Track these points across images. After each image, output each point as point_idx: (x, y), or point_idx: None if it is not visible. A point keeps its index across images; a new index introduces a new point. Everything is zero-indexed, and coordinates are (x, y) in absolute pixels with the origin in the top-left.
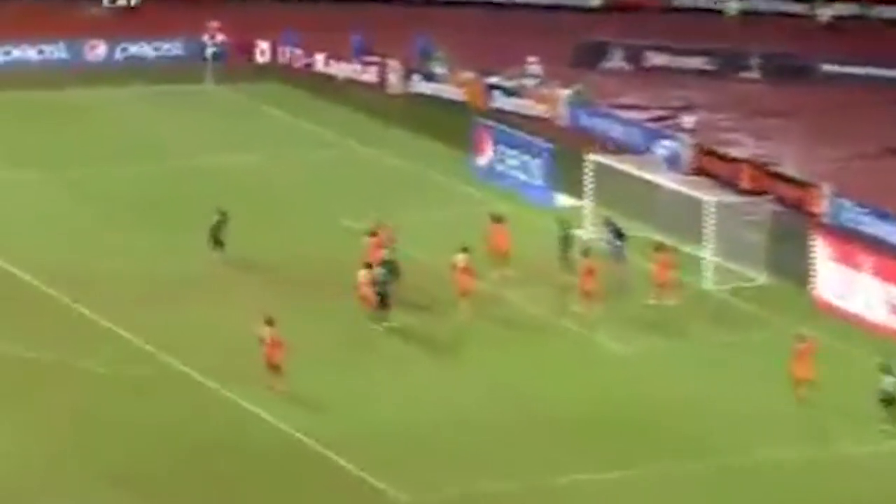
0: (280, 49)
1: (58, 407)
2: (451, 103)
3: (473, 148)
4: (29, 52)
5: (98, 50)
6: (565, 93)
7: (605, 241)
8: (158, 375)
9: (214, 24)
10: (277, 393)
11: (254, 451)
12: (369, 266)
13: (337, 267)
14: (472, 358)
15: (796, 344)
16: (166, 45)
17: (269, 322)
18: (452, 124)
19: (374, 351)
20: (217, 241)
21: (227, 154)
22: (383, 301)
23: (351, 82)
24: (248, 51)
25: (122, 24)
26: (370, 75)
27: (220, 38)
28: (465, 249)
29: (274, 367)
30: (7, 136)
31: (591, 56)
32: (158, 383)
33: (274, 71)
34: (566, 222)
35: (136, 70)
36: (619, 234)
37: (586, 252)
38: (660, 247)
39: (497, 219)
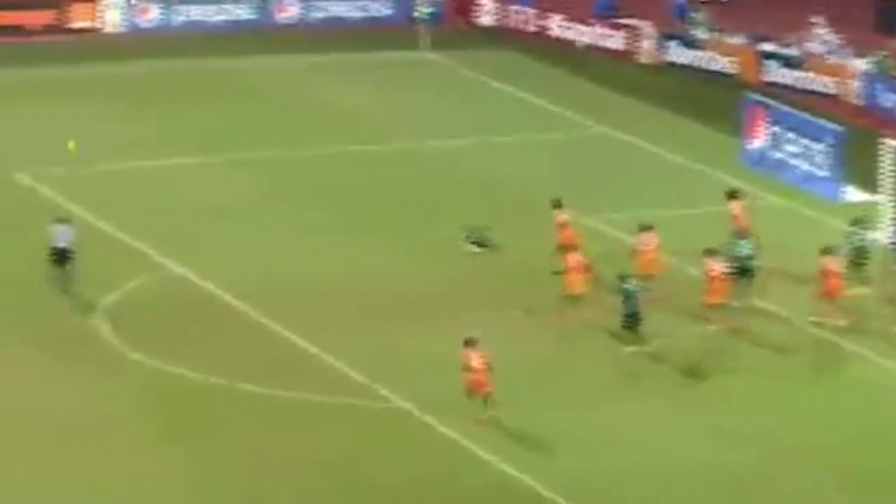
0: (508, 10)
1: (241, 440)
2: (716, 75)
3: (743, 130)
4: (209, 13)
5: (290, 10)
6: (861, 64)
7: None
8: (369, 408)
9: None
10: (484, 424)
11: (470, 492)
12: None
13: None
14: (736, 389)
15: None
16: (372, 4)
17: (471, 343)
18: (717, 101)
19: (620, 379)
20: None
21: (444, 137)
22: (633, 319)
23: (593, 49)
24: (469, 11)
25: None
26: (616, 41)
27: None
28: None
29: (478, 395)
30: (183, 115)
31: None
32: (369, 417)
33: (500, 36)
34: (859, 223)
35: (336, 34)
36: None
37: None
38: None
39: (732, 195)
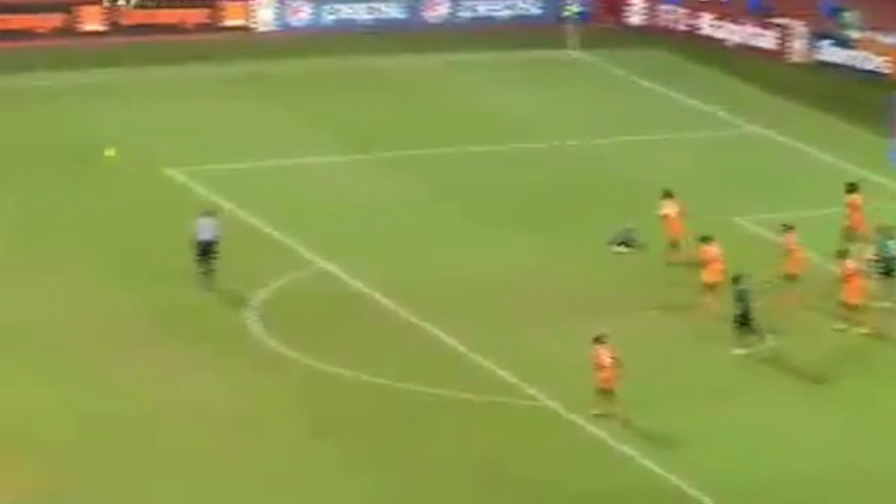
0: (658, 8)
1: (390, 436)
2: (869, 75)
3: None
4: (359, 12)
5: (439, 9)
6: None
7: None
8: (516, 407)
9: None
10: (615, 420)
11: (615, 492)
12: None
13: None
14: (874, 391)
15: None
16: (521, 4)
17: (601, 340)
18: (869, 101)
19: (754, 377)
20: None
21: (592, 136)
22: (744, 320)
23: (744, 48)
24: (618, 10)
25: None
26: (768, 40)
27: None
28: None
29: (607, 392)
30: (332, 113)
31: None
32: (516, 415)
33: (650, 35)
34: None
35: (484, 33)
36: None
37: None
38: None
39: (852, 188)
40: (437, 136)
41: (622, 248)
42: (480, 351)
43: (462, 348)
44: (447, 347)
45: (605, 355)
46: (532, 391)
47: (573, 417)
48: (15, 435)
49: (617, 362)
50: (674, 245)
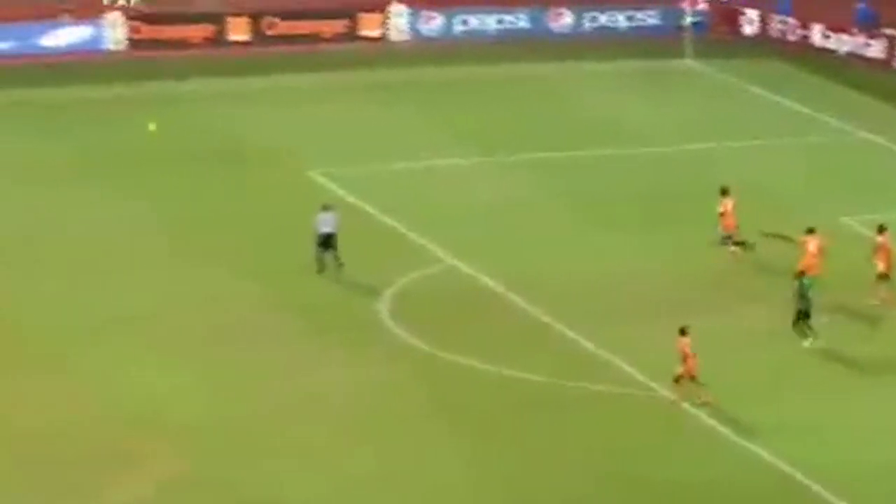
0: (771, 20)
1: (514, 425)
2: None
3: None
4: (488, 22)
5: (564, 19)
6: None
7: None
8: (641, 399)
9: None
10: (704, 405)
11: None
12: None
13: (848, 274)
14: None
15: None
16: (640, 15)
17: (685, 332)
18: None
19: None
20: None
21: (706, 140)
22: (803, 316)
23: (854, 58)
24: (734, 21)
25: None
26: (877, 50)
27: (700, 6)
28: None
29: (692, 378)
30: (462, 118)
31: None
32: (641, 408)
33: (764, 45)
34: None
35: (606, 42)
36: None
37: None
38: None
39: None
40: (558, 140)
41: (736, 248)
42: (600, 344)
43: (587, 343)
44: (568, 341)
45: (688, 346)
46: (651, 383)
47: (687, 407)
48: (151, 420)
49: (694, 353)
50: (728, 237)
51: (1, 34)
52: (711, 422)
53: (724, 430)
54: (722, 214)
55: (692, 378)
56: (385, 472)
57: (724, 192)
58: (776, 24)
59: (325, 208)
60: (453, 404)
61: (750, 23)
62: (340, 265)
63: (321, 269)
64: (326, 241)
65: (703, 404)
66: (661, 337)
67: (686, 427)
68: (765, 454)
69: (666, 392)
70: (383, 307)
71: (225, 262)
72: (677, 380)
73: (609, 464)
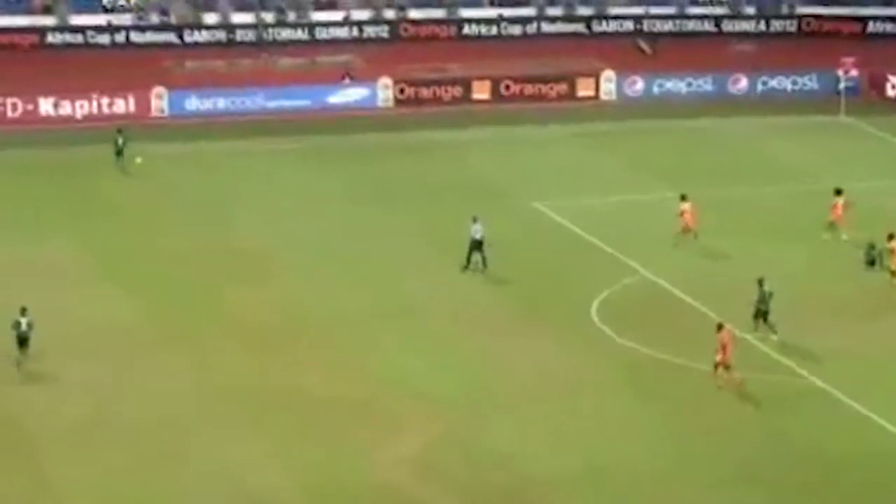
0: None
1: (704, 410)
2: None
3: None
4: (679, 85)
5: (741, 83)
6: None
7: None
8: (795, 385)
9: (849, 59)
10: (734, 386)
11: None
12: None
13: None
14: None
15: None
16: (802, 79)
17: (722, 327)
18: None
19: None
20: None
21: (855, 180)
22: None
23: None
24: (881, 85)
25: (764, 58)
26: None
27: (853, 72)
28: None
29: (727, 366)
30: (656, 160)
31: None
32: (795, 393)
33: None
34: None
35: (774, 102)
36: None
37: None
38: None
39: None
40: (731, 178)
41: (871, 266)
42: (762, 340)
43: (749, 338)
44: (738, 338)
45: (727, 338)
46: (809, 374)
47: (833, 391)
48: (417, 393)
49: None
50: (685, 233)
51: (298, 93)
52: (858, 405)
53: (874, 413)
54: (681, 214)
55: (727, 367)
56: (605, 436)
57: (683, 197)
58: None
59: (475, 220)
60: (648, 386)
61: (893, 87)
62: (485, 266)
63: (467, 266)
64: (478, 245)
65: (732, 385)
66: (811, 334)
67: (835, 408)
68: None
69: (820, 381)
70: (596, 309)
71: (475, 271)
72: (716, 367)
73: (775, 435)
